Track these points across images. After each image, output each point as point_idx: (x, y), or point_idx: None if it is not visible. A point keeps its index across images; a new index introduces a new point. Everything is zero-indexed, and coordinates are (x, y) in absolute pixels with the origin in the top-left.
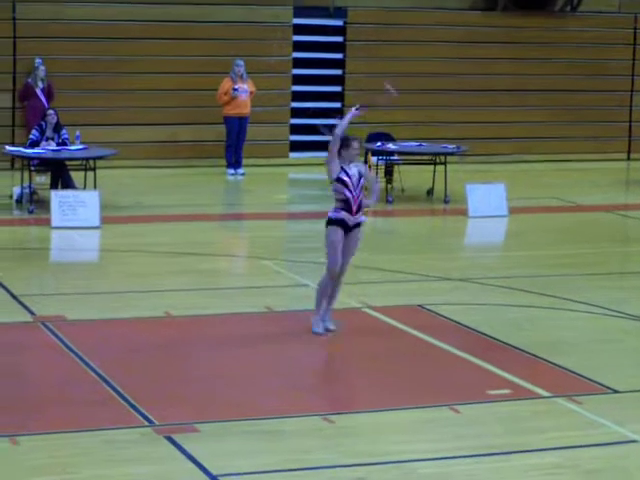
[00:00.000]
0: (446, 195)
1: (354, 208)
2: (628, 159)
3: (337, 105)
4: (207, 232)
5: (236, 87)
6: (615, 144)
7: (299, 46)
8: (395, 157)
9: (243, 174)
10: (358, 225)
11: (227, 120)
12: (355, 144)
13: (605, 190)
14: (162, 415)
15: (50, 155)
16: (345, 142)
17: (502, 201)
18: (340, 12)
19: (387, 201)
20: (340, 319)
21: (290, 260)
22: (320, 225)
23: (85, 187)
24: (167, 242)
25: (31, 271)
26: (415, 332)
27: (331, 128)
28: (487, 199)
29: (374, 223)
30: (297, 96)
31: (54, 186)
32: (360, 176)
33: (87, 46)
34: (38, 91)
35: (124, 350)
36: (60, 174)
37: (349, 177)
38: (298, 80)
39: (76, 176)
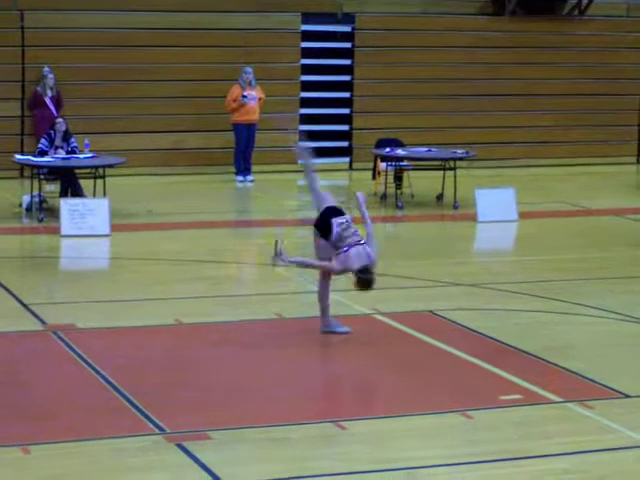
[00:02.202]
0: (455, 200)
1: None
2: (638, 163)
3: (346, 111)
4: (217, 239)
5: (245, 94)
6: (625, 148)
7: (307, 52)
8: (404, 163)
9: (252, 181)
10: None
11: (236, 127)
12: None
13: (615, 194)
14: (173, 423)
15: (59, 164)
16: None
17: (512, 206)
18: (348, 18)
19: (397, 207)
20: (351, 326)
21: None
22: None
23: (94, 195)
24: (177, 249)
25: (41, 279)
26: (426, 338)
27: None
28: (496, 204)
29: (384, 229)
30: (306, 102)
31: (63, 194)
32: None
33: (96, 54)
34: (47, 100)
35: (134, 358)
36: (69, 182)
37: None
38: (307, 86)
39: (85, 184)
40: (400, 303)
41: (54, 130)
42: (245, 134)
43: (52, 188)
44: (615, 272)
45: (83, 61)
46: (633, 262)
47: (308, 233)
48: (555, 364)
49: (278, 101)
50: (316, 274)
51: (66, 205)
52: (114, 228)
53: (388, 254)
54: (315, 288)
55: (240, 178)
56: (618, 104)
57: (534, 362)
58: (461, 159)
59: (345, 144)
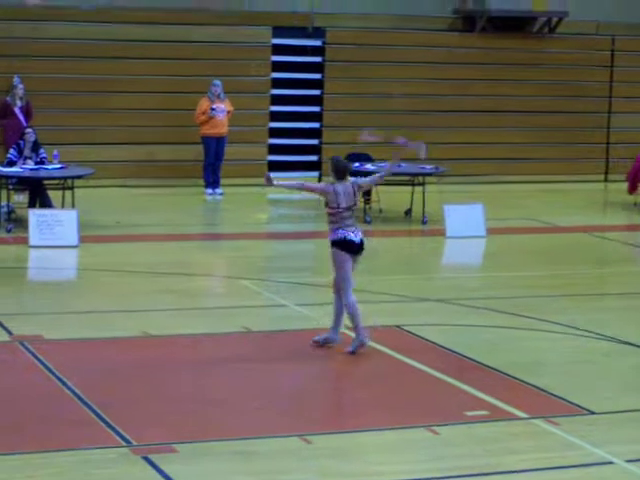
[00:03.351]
0: (424, 216)
1: None
2: (605, 181)
3: (316, 125)
4: (186, 252)
5: (214, 107)
6: (592, 166)
7: (278, 66)
8: None
9: (221, 194)
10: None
11: (205, 140)
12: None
13: (582, 211)
14: (139, 435)
15: (28, 174)
16: None
17: (480, 222)
18: (319, 32)
19: (365, 221)
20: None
21: (269, 280)
22: (300, 245)
23: (63, 206)
24: (145, 262)
25: (9, 290)
26: (393, 353)
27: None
28: (465, 220)
29: None
30: (275, 116)
31: (32, 205)
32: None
33: (66, 65)
34: (16, 110)
35: (102, 370)
36: (38, 193)
37: None
38: (277, 100)
39: (54, 195)
40: (367, 318)
41: (23, 140)
42: (214, 147)
43: (21, 198)
44: (582, 289)
45: (53, 72)
46: (600, 279)
47: (278, 246)
48: (521, 380)
49: (248, 114)
50: (285, 290)
51: (34, 216)
52: (82, 239)
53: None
54: (283, 302)
55: (209, 191)
56: (586, 122)
57: (500, 378)
58: (430, 175)
59: (315, 158)
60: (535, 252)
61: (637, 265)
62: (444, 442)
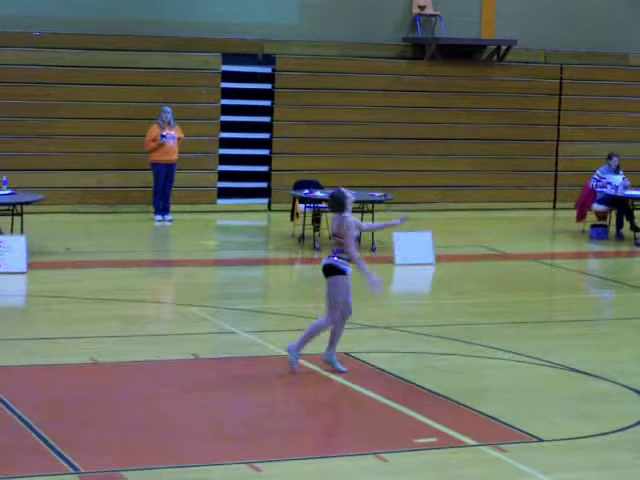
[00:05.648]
0: (373, 243)
1: None
2: (554, 208)
3: (265, 152)
4: (134, 278)
5: (164, 134)
6: (541, 193)
7: (227, 93)
8: (323, 205)
9: (171, 220)
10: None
11: (155, 166)
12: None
13: (531, 239)
14: (87, 463)
15: None
16: None
17: (429, 249)
18: (269, 59)
19: (315, 248)
20: (265, 367)
21: (217, 307)
22: (249, 272)
23: (12, 232)
24: (94, 288)
25: None
26: (341, 380)
27: None
28: (414, 247)
29: (301, 271)
30: (225, 143)
31: None
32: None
33: (15, 91)
34: None
35: (49, 397)
36: None
37: None
38: (226, 127)
39: (2, 221)
40: (316, 344)
41: None
42: (164, 173)
43: None
44: (530, 316)
45: (2, 97)
46: (548, 307)
47: (227, 273)
48: (469, 407)
49: (198, 141)
50: (234, 317)
51: None
52: (31, 266)
53: (304, 295)
54: (232, 329)
55: (159, 217)
56: (535, 149)
57: (448, 405)
58: (379, 202)
59: (264, 185)
60: (483, 280)
61: (584, 293)
62: (393, 469)
